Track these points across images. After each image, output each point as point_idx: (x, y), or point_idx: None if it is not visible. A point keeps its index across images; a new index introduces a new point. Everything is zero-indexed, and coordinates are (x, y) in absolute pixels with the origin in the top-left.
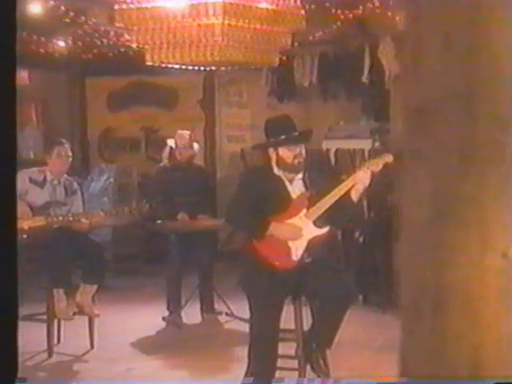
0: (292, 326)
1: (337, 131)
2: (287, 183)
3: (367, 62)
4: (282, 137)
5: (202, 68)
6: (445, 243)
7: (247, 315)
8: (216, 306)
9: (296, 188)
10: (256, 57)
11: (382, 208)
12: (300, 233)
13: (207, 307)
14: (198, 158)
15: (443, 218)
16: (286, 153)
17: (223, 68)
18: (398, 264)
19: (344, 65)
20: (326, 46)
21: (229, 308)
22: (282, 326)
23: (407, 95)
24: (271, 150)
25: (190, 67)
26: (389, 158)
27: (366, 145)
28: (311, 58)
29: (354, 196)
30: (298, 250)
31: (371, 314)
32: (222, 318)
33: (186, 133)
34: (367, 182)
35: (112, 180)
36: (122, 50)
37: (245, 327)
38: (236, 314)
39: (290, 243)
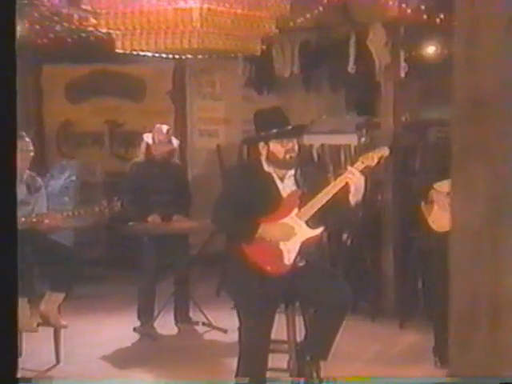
0: (284, 337)
1: (320, 125)
2: (278, 181)
3: (353, 51)
4: (274, 130)
5: (177, 56)
6: (503, 247)
7: (227, 325)
8: (191, 315)
9: (287, 186)
10: (237, 44)
11: (371, 208)
12: (292, 232)
13: (181, 317)
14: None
15: (501, 220)
16: (277, 148)
17: (200, 56)
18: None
19: (328, 53)
20: (308, 32)
21: (206, 317)
22: (273, 336)
23: (461, 86)
24: (262, 145)
25: (164, 55)
26: (384, 152)
27: (351, 140)
28: (292, 45)
29: (352, 199)
30: (290, 253)
31: (360, 322)
32: (200, 329)
33: (165, 127)
34: (361, 179)
35: (74, 178)
36: (84, 35)
37: (227, 338)
38: (214, 324)
39: (282, 246)
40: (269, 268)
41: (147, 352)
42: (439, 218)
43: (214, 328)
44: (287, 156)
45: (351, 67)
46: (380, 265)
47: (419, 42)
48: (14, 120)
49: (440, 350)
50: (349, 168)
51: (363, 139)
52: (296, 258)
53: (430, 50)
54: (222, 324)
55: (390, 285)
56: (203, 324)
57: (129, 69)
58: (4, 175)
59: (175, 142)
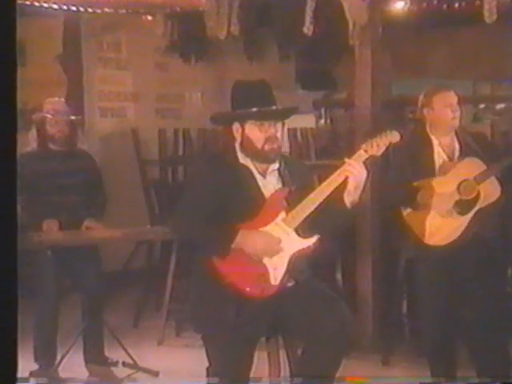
0: (266, 379)
1: None
2: (258, 176)
3: (311, 6)
4: (254, 109)
5: (92, 10)
6: None
7: (156, 365)
8: (107, 352)
9: (269, 183)
10: None
11: None
12: (278, 245)
13: (94, 355)
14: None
15: None
16: (255, 133)
17: (124, 11)
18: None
19: (277, 9)
20: None
21: (130, 356)
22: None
23: None
24: (236, 127)
25: (75, 8)
26: (393, 137)
27: (306, 122)
28: None
29: (348, 199)
30: (276, 269)
31: None
32: (120, 371)
33: (62, 101)
34: (362, 174)
35: None
36: None
37: (158, 383)
38: (140, 364)
39: (266, 260)
40: (248, 289)
41: None
42: (439, 227)
43: (140, 369)
44: (267, 146)
45: (307, 27)
46: (355, 284)
47: None
48: (14, 118)
49: None
50: (347, 160)
51: (322, 121)
52: (284, 276)
53: (400, 5)
54: (150, 364)
55: (367, 309)
56: (124, 365)
57: None
58: (4, 176)
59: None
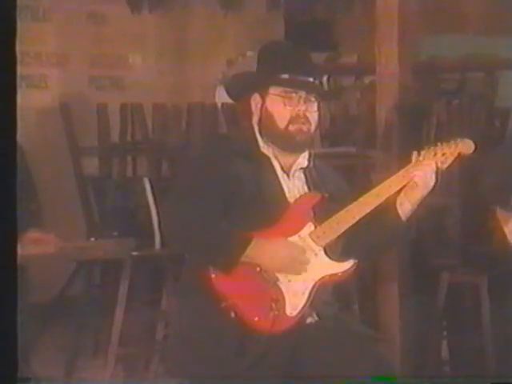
0: None
1: (243, 68)
2: (280, 173)
3: None
4: (285, 76)
5: None
6: None
7: None
8: None
9: (294, 186)
10: None
11: None
12: (303, 261)
13: None
14: None
15: None
16: (278, 106)
17: None
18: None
19: None
20: None
21: None
22: None
23: None
24: (256, 99)
25: None
26: (465, 147)
27: None
28: None
29: (405, 209)
30: (295, 296)
31: None
32: None
33: None
34: (431, 180)
35: None
36: None
37: None
38: None
39: (283, 283)
40: (256, 319)
41: None
42: None
43: None
44: (292, 127)
45: None
46: (376, 318)
47: None
48: (13, 118)
49: None
50: (421, 163)
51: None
52: (304, 306)
53: None
54: None
55: (392, 349)
56: None
57: None
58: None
59: None
